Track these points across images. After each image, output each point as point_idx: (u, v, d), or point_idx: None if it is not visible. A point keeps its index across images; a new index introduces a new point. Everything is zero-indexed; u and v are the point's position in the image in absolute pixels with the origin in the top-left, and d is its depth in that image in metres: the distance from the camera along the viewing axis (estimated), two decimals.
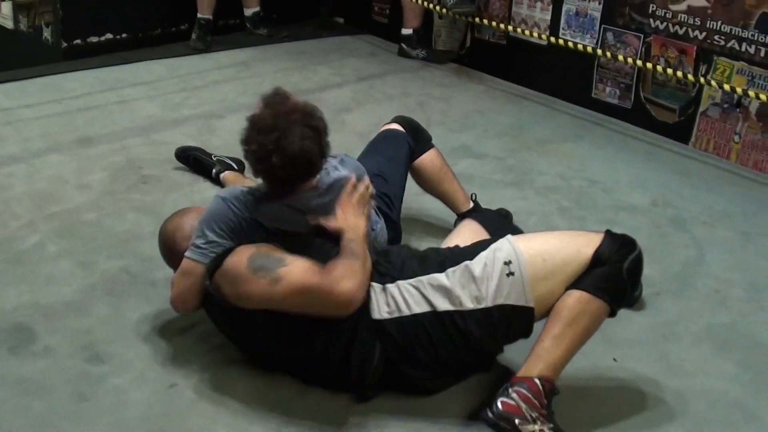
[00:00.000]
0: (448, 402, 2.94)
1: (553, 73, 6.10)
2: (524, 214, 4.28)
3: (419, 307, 2.78)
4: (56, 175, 4.41)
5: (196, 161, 4.52)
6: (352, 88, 6.07)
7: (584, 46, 5.64)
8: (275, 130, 2.90)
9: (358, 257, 2.76)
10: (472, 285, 2.78)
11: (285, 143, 2.88)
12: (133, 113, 5.33)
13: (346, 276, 2.68)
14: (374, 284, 2.82)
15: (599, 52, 5.53)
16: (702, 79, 5.04)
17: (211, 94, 5.75)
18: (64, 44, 6.70)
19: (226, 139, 4.95)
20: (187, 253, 3.01)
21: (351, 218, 2.93)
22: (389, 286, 2.82)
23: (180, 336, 3.21)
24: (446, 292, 2.78)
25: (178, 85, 5.88)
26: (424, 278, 2.82)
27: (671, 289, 3.73)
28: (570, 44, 5.65)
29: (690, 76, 5.10)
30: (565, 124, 5.62)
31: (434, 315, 2.77)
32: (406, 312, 2.78)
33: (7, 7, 7.27)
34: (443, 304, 2.77)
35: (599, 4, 5.68)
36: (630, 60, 5.37)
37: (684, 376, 3.18)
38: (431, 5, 6.35)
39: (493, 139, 5.25)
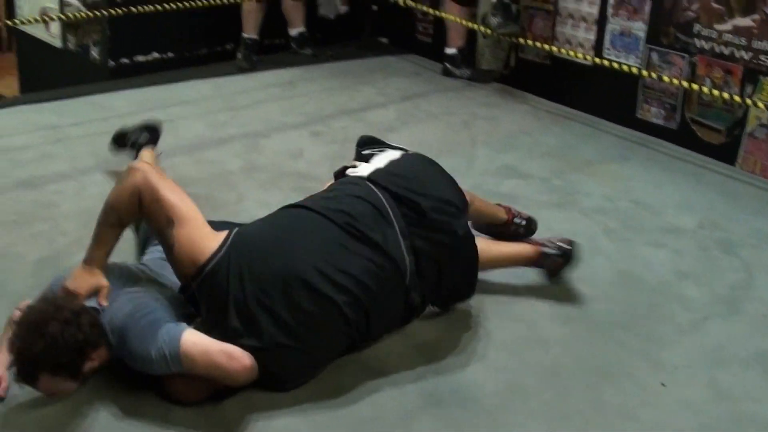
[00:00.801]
0: None
1: (597, 93, 6.07)
2: (569, 235, 4.24)
3: None
4: (104, 192, 4.35)
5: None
6: (396, 107, 6.07)
7: (629, 67, 5.60)
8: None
9: None
10: None
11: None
12: (179, 132, 5.36)
13: None
14: None
15: (644, 73, 5.49)
16: (748, 100, 5.00)
17: (257, 114, 5.77)
18: (111, 63, 6.76)
19: (271, 159, 4.98)
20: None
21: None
22: None
23: None
24: None
25: (224, 105, 5.90)
26: None
27: (719, 312, 3.70)
28: (615, 65, 5.62)
29: (736, 97, 5.06)
30: (610, 144, 5.59)
31: None
32: None
33: (55, 26, 7.35)
34: None
35: (644, 23, 5.65)
36: (675, 80, 5.33)
37: (732, 402, 3.15)
38: (476, 26, 6.35)
39: (539, 160, 5.23)
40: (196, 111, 5.78)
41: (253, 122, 5.60)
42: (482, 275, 3.59)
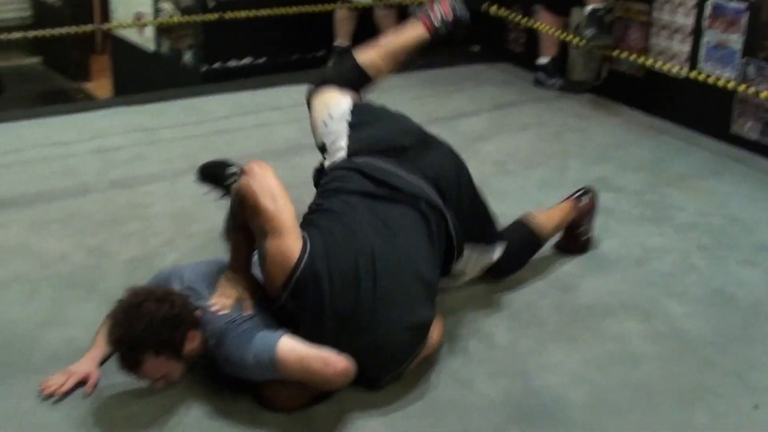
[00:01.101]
0: None
1: (691, 107, 5.97)
2: (662, 251, 4.21)
3: None
4: (196, 194, 4.49)
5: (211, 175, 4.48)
6: (487, 116, 6.05)
7: (725, 80, 5.50)
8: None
9: None
10: None
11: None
12: (271, 137, 5.41)
13: None
14: None
15: (741, 87, 5.39)
16: None
17: None
18: (204, 67, 6.85)
19: None
20: None
21: None
22: None
23: None
24: None
25: None
26: None
27: None
28: (709, 78, 5.52)
29: None
30: (704, 159, 5.50)
31: None
32: None
33: (149, 31, 7.46)
34: None
35: (740, 36, 5.55)
36: None
37: None
38: (569, 37, 6.30)
39: (631, 173, 5.16)
40: (288, 116, 5.81)
41: None
42: (570, 290, 3.58)
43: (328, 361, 2.80)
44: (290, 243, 2.91)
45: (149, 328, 2.76)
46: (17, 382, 3.03)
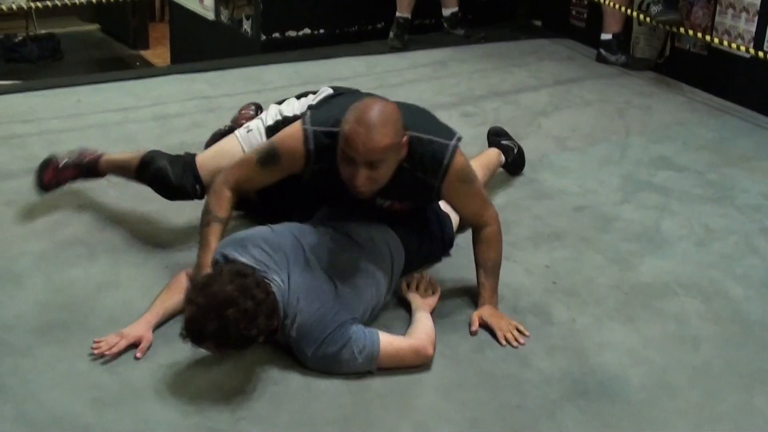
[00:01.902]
0: None
1: (755, 87, 5.87)
2: (724, 232, 4.15)
3: None
4: None
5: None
6: (549, 91, 5.99)
7: None
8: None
9: None
10: None
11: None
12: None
13: None
14: None
15: None
16: None
17: (408, 93, 5.74)
18: (263, 37, 6.84)
19: None
20: None
21: None
22: None
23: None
24: None
25: (375, 82, 5.90)
26: None
27: None
28: None
29: None
30: None
31: None
32: None
33: (209, 0, 7.47)
34: None
35: None
36: None
37: None
38: (634, 12, 6.21)
39: (694, 153, 5.09)
40: None
41: (404, 101, 5.56)
42: (630, 268, 3.54)
43: (419, 351, 3.02)
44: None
45: (220, 333, 2.71)
46: (74, 343, 3.04)
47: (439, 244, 3.70)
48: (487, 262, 3.34)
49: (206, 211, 3.25)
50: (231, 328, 2.70)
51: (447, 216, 3.72)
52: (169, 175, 3.58)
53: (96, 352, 2.97)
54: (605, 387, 3.02)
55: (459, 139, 3.24)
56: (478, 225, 3.36)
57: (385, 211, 3.32)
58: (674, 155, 5.02)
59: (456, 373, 3.04)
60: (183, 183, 3.58)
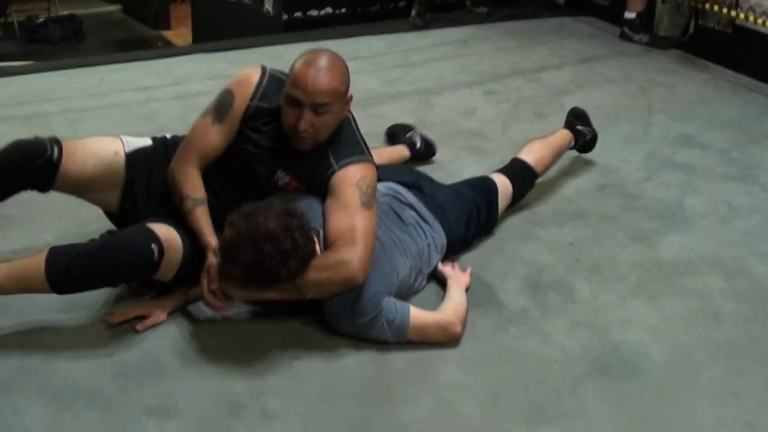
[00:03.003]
0: None
1: None
2: (748, 210, 4.13)
3: None
4: None
5: (394, 136, 4.51)
6: (572, 69, 5.97)
7: None
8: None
9: None
10: None
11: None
12: (353, 86, 5.32)
13: None
14: None
15: None
16: None
17: (429, 71, 5.74)
18: (285, 16, 6.82)
19: (442, 116, 4.95)
20: None
21: None
22: None
23: None
24: None
25: (397, 61, 5.89)
26: None
27: None
28: None
29: None
30: None
31: None
32: None
33: None
34: None
35: None
36: None
37: None
38: None
39: (717, 131, 5.06)
40: (369, 67, 5.77)
41: (426, 79, 5.58)
42: (653, 245, 3.53)
43: (447, 329, 3.03)
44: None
45: (259, 261, 2.71)
46: (97, 319, 3.05)
47: (482, 231, 3.69)
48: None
49: (182, 198, 3.03)
50: (263, 262, 2.71)
51: (495, 205, 3.72)
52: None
53: (104, 318, 3.01)
54: (627, 363, 3.01)
55: (373, 163, 3.12)
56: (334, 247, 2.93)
57: (280, 189, 3.15)
58: (698, 133, 4.99)
59: (478, 349, 3.04)
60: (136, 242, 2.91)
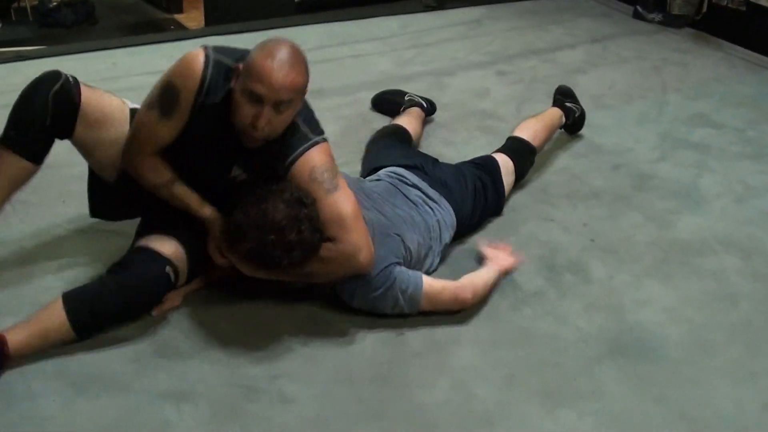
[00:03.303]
0: None
1: None
2: (763, 188, 4.12)
3: None
4: None
5: (388, 103, 4.56)
6: (585, 49, 5.94)
7: None
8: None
9: None
10: None
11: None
12: (366, 68, 5.35)
13: None
14: None
15: None
16: None
17: (442, 52, 5.72)
18: None
19: (455, 97, 4.93)
20: None
21: None
22: None
23: None
24: None
25: (410, 42, 5.87)
26: None
27: None
28: None
29: None
30: None
31: None
32: None
33: None
34: None
35: None
36: None
37: None
38: None
39: (732, 109, 5.03)
40: (382, 48, 5.75)
41: (439, 60, 5.55)
42: (668, 225, 3.51)
43: (458, 296, 3.07)
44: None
45: (262, 249, 2.73)
46: None
47: (491, 207, 3.69)
48: None
49: (156, 186, 2.92)
50: (265, 250, 2.73)
51: (499, 181, 3.73)
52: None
53: None
54: (643, 345, 3.01)
55: (324, 139, 2.94)
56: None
57: (235, 186, 3.00)
58: (712, 112, 4.97)
59: (493, 331, 3.04)
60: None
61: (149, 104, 2.85)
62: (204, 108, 2.79)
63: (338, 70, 5.26)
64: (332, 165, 2.92)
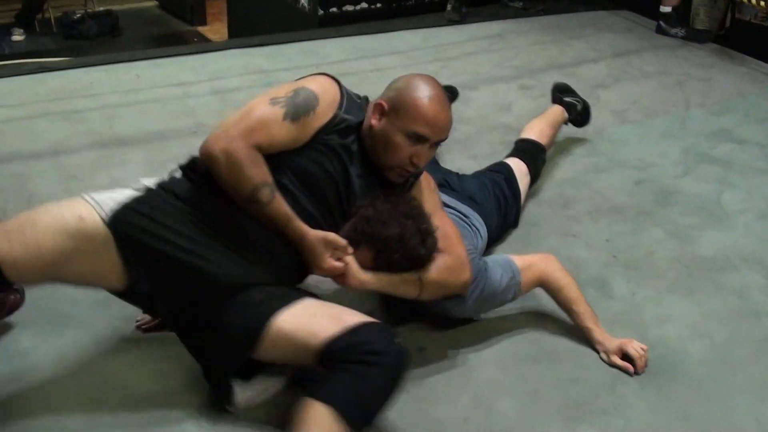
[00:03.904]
0: None
1: None
2: None
3: None
4: None
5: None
6: (608, 63, 5.94)
7: None
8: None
9: None
10: None
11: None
12: (389, 81, 5.35)
13: None
14: None
15: None
16: None
17: (465, 66, 5.73)
18: (321, 12, 6.83)
19: (479, 111, 4.94)
20: None
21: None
22: None
23: None
24: None
25: (432, 55, 5.89)
26: None
27: None
28: None
29: None
30: None
31: None
32: None
33: None
34: None
35: None
36: None
37: None
38: None
39: (756, 125, 5.02)
40: (404, 61, 5.77)
41: (462, 74, 5.56)
42: (690, 241, 3.51)
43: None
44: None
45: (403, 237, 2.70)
46: (132, 316, 3.06)
47: (512, 212, 3.71)
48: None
49: (257, 187, 2.54)
50: (406, 236, 2.68)
51: (515, 183, 3.76)
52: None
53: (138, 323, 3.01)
54: (666, 361, 3.00)
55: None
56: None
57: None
58: (735, 127, 4.96)
59: (516, 347, 3.04)
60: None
61: (273, 99, 2.63)
62: (341, 122, 2.70)
63: (361, 84, 5.20)
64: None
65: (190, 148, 4.28)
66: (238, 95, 5.09)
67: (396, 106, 2.68)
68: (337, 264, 2.67)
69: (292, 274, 2.74)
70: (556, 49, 6.19)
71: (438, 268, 2.78)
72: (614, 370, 2.94)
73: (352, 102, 2.74)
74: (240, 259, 2.58)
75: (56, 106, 4.79)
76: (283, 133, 2.60)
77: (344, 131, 2.71)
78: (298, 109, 2.61)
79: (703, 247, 3.73)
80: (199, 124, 4.64)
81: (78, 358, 2.85)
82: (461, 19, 6.70)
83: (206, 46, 7.30)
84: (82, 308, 3.09)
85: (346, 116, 2.70)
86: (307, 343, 2.46)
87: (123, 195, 2.57)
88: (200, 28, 9.67)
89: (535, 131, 4.10)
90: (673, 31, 6.55)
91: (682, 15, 6.60)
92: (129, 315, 3.02)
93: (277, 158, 2.61)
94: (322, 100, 2.66)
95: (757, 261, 3.64)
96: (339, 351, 2.42)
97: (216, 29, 9.40)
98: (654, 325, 3.19)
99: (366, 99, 2.85)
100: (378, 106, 2.70)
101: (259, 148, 2.55)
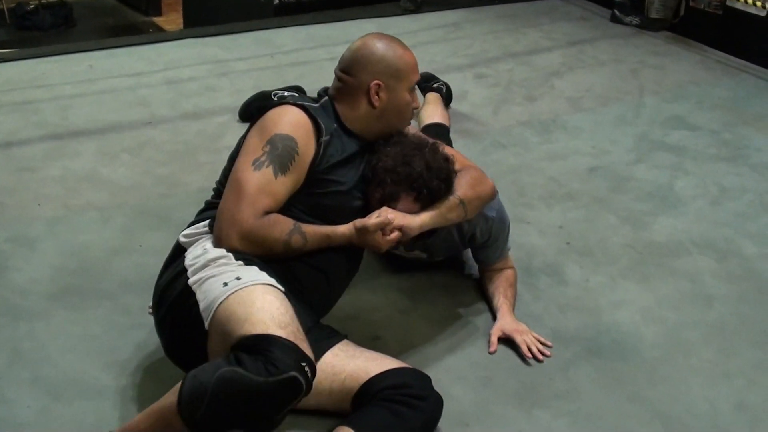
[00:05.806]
0: None
1: None
2: (738, 190, 4.14)
3: None
4: None
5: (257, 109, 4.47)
6: (562, 52, 5.96)
7: None
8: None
9: None
10: None
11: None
12: None
13: None
14: None
15: None
16: None
17: (421, 55, 5.58)
18: (276, 0, 6.80)
19: None
20: None
21: None
22: None
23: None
24: None
25: None
26: None
27: None
28: None
29: None
30: None
31: None
32: None
33: None
34: None
35: None
36: None
37: None
38: None
39: (708, 112, 5.06)
40: None
41: (418, 63, 5.54)
42: (643, 227, 3.52)
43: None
44: None
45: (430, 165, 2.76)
46: (88, 308, 3.06)
47: None
48: None
49: (285, 242, 2.61)
50: (434, 161, 2.76)
51: None
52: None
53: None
54: (619, 345, 3.03)
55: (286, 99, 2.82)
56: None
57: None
58: (688, 115, 5.00)
59: (466, 331, 3.05)
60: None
61: (257, 162, 2.62)
62: (327, 146, 2.70)
63: (315, 73, 5.27)
64: (277, 119, 2.78)
65: (144, 140, 4.31)
66: (192, 85, 5.06)
67: (391, 74, 2.81)
68: (392, 236, 2.70)
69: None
70: (511, 37, 6.21)
71: (468, 184, 2.87)
72: (567, 355, 2.96)
73: (319, 113, 2.73)
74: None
75: (7, 97, 4.75)
76: (282, 188, 2.63)
77: (333, 148, 2.72)
78: (284, 160, 2.62)
79: (656, 232, 3.76)
80: (152, 115, 4.62)
81: (33, 351, 2.83)
82: (417, 8, 6.70)
83: (160, 36, 7.24)
84: (34, 299, 3.07)
85: (326, 136, 2.70)
86: (355, 378, 2.55)
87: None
88: (156, 19, 9.58)
89: (437, 117, 4.31)
90: (628, 19, 6.58)
91: (636, 4, 6.63)
92: (83, 307, 3.02)
93: (287, 203, 2.68)
94: (299, 138, 2.66)
95: (709, 246, 3.67)
96: (382, 389, 2.49)
97: (171, 20, 9.32)
98: (607, 311, 3.22)
99: (322, 92, 2.89)
100: (375, 86, 2.78)
101: (269, 212, 2.61)
